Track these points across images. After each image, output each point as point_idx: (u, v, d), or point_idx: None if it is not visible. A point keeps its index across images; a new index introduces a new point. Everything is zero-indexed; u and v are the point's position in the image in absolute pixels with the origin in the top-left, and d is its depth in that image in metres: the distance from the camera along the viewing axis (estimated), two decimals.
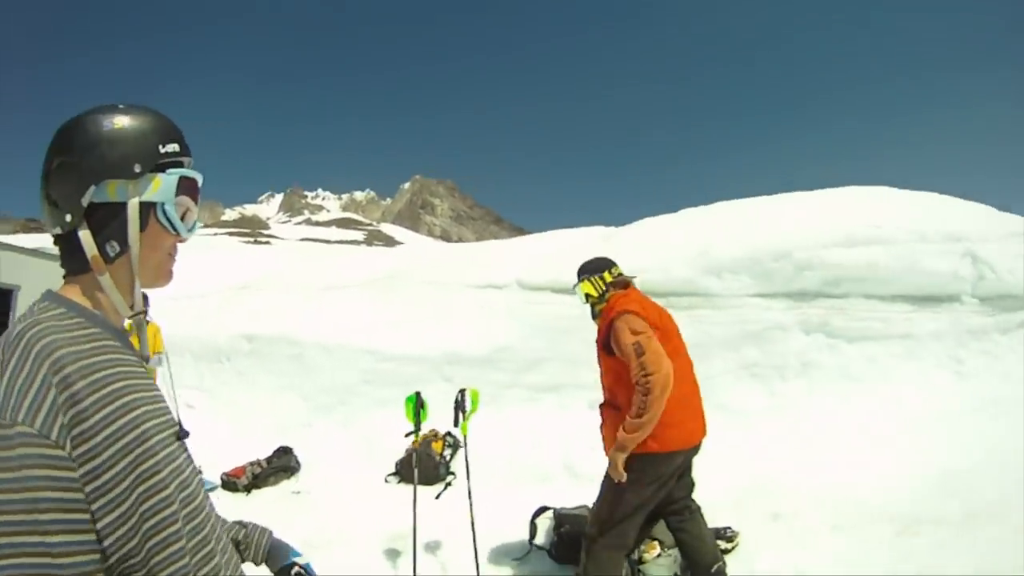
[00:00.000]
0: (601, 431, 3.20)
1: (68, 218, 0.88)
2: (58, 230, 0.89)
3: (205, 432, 5.81)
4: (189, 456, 0.93)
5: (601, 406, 3.23)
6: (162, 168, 0.93)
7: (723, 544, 3.59)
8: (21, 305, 10.56)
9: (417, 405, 3.92)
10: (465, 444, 3.92)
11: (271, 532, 1.24)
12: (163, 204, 0.92)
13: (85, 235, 0.88)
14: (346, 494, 4.77)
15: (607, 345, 3.02)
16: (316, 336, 6.93)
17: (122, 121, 0.90)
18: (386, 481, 5.09)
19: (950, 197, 7.71)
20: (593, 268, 3.33)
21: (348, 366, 6.43)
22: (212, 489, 4.86)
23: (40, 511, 0.69)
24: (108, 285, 0.89)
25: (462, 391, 3.94)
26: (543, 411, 5.87)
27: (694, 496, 3.27)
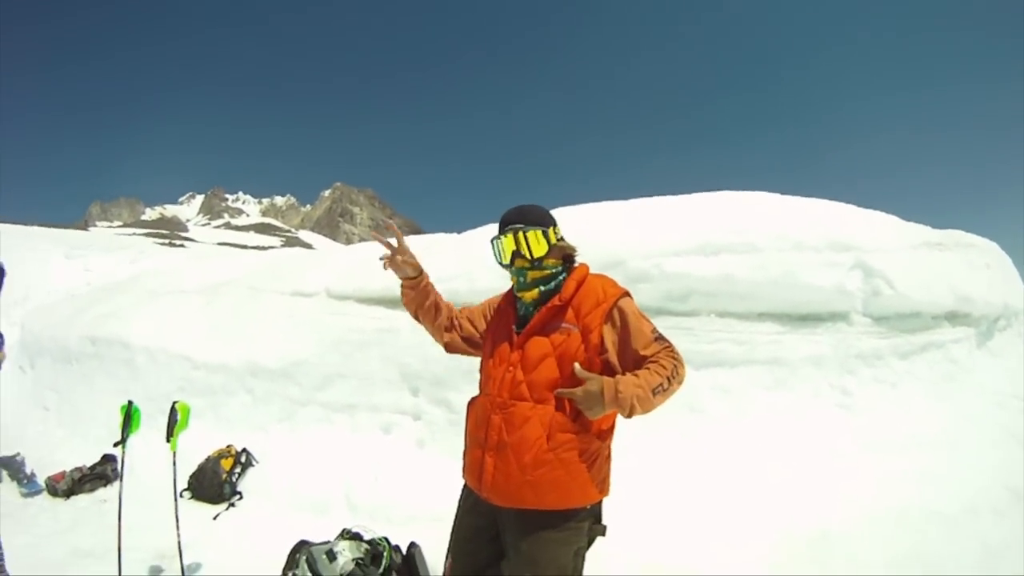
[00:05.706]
0: (514, 438, 2.07)
1: None
2: None
3: (49, 434, 5.99)
4: None
5: (506, 405, 2.10)
6: None
7: None
8: None
9: (127, 415, 3.55)
10: (174, 461, 3.57)
11: None
12: None
13: None
14: (141, 507, 4.30)
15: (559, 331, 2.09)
16: (144, 340, 6.41)
17: None
18: (180, 496, 4.72)
19: (842, 204, 6.63)
20: (545, 217, 2.25)
21: (167, 373, 5.94)
22: (38, 492, 5.00)
23: None
24: None
25: (174, 404, 3.58)
26: (334, 433, 5.11)
27: None
